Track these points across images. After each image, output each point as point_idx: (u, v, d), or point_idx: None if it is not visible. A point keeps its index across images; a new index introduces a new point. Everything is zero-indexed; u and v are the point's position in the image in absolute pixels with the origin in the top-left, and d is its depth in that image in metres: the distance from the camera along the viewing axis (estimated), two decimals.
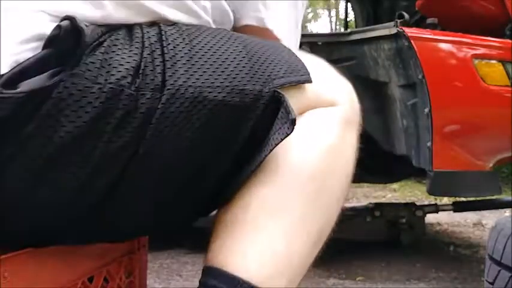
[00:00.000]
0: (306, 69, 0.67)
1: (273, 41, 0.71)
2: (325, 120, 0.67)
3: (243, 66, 0.62)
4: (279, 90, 0.62)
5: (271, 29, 0.76)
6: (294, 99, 0.63)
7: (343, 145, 0.68)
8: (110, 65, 0.56)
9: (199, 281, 0.62)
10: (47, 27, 0.57)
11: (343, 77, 0.74)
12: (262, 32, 0.76)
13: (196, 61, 0.60)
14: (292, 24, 0.80)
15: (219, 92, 0.59)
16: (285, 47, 0.70)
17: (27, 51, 0.57)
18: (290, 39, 0.79)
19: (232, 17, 0.74)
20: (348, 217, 2.56)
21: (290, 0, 0.79)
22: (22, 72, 0.55)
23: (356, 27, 3.57)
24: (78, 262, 0.70)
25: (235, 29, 0.76)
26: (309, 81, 0.66)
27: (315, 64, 0.72)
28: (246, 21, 0.76)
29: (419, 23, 2.50)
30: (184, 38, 0.62)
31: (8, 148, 0.53)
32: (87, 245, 0.69)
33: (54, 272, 0.65)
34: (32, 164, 0.54)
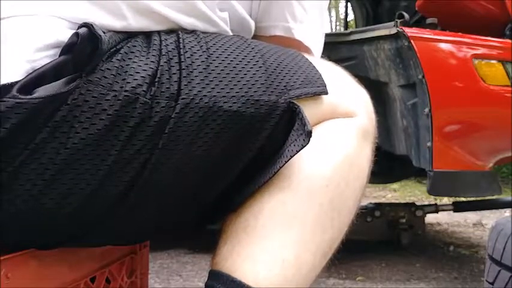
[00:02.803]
0: (323, 81, 0.66)
1: (290, 50, 0.70)
2: (342, 131, 0.67)
3: (259, 77, 0.62)
4: (294, 102, 0.62)
5: (299, 39, 0.76)
6: (310, 110, 0.63)
7: (358, 157, 0.67)
8: (126, 72, 0.56)
9: (206, 284, 0.61)
10: (66, 35, 0.57)
11: (362, 87, 0.73)
12: (291, 42, 0.75)
13: (212, 70, 0.60)
14: (319, 31, 0.80)
15: (234, 102, 0.59)
16: (302, 56, 0.70)
17: (44, 58, 0.57)
18: (317, 46, 0.79)
19: (252, 27, 0.74)
20: None
21: (316, 6, 0.78)
22: (38, 78, 0.55)
23: (356, 27, 3.57)
24: (80, 262, 0.70)
25: (263, 38, 0.75)
26: (325, 93, 0.66)
27: (334, 74, 0.72)
28: (273, 32, 0.76)
29: (419, 23, 2.50)
30: (201, 46, 0.61)
31: (22, 153, 0.53)
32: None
33: (56, 273, 0.65)
34: (45, 170, 0.54)
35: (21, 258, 0.59)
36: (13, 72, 0.55)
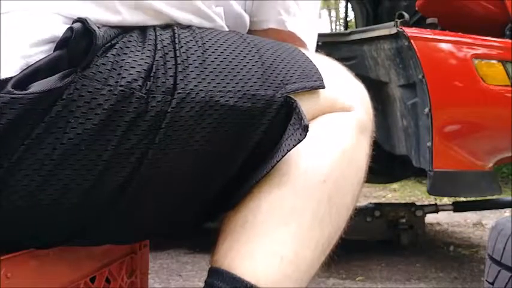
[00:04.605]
0: (320, 75, 0.66)
1: (287, 44, 0.70)
2: (340, 125, 0.67)
3: (256, 71, 0.62)
4: (291, 96, 0.62)
5: (292, 31, 0.76)
6: (307, 105, 0.63)
7: (356, 151, 0.67)
8: (121, 67, 0.56)
9: (205, 282, 0.61)
10: (61, 30, 0.57)
11: (358, 81, 0.73)
12: (284, 35, 0.75)
13: (208, 64, 0.60)
14: (312, 24, 0.80)
15: (231, 97, 0.59)
16: (299, 50, 0.70)
17: (39, 54, 0.57)
18: (311, 39, 0.79)
19: (247, 22, 0.74)
20: None
21: (309, 1, 0.78)
22: (33, 73, 0.55)
23: (356, 27, 3.57)
24: (80, 262, 0.70)
25: (257, 32, 0.75)
26: (322, 87, 0.66)
27: (330, 68, 0.72)
28: (267, 25, 0.76)
29: (419, 23, 2.50)
30: (197, 41, 0.61)
31: (18, 149, 0.53)
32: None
33: (56, 273, 0.65)
34: (41, 165, 0.54)
35: (21, 258, 0.59)
36: (8, 67, 0.55)
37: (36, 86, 0.53)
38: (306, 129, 0.59)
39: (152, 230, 0.70)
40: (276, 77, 0.63)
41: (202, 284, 0.62)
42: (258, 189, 0.62)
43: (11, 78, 0.54)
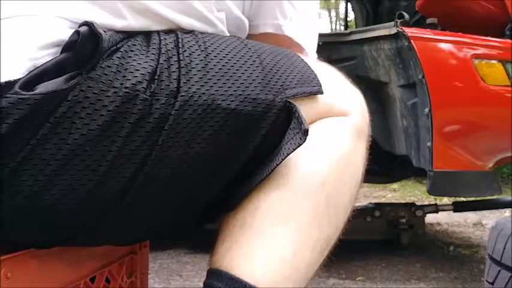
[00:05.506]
0: (318, 80, 0.67)
1: (286, 50, 0.71)
2: (337, 129, 0.68)
3: (256, 76, 0.63)
4: (290, 101, 0.63)
5: (289, 35, 0.77)
6: (305, 109, 0.64)
7: (353, 155, 0.68)
8: (126, 69, 0.57)
9: (204, 283, 0.62)
10: (67, 34, 0.58)
11: (355, 86, 0.74)
12: (281, 39, 0.76)
13: (210, 68, 0.61)
14: (310, 28, 0.80)
15: (232, 101, 0.60)
16: (298, 56, 0.71)
17: (46, 56, 0.57)
18: (309, 43, 0.79)
19: (247, 26, 0.75)
20: None
21: (307, 5, 0.79)
22: (40, 75, 0.56)
23: (356, 27, 3.57)
24: (80, 262, 0.70)
25: (254, 36, 0.76)
26: (321, 92, 0.67)
27: (328, 73, 0.73)
28: (264, 29, 0.77)
29: (419, 23, 2.50)
30: (200, 46, 0.62)
31: (24, 149, 0.54)
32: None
33: (56, 272, 0.65)
34: (46, 165, 0.54)
35: (21, 258, 0.59)
36: (15, 69, 0.56)
37: (43, 87, 0.54)
38: (305, 133, 0.60)
39: (153, 231, 0.70)
40: (276, 82, 0.64)
41: (202, 284, 0.62)
42: (257, 191, 0.63)
43: (19, 79, 0.55)
